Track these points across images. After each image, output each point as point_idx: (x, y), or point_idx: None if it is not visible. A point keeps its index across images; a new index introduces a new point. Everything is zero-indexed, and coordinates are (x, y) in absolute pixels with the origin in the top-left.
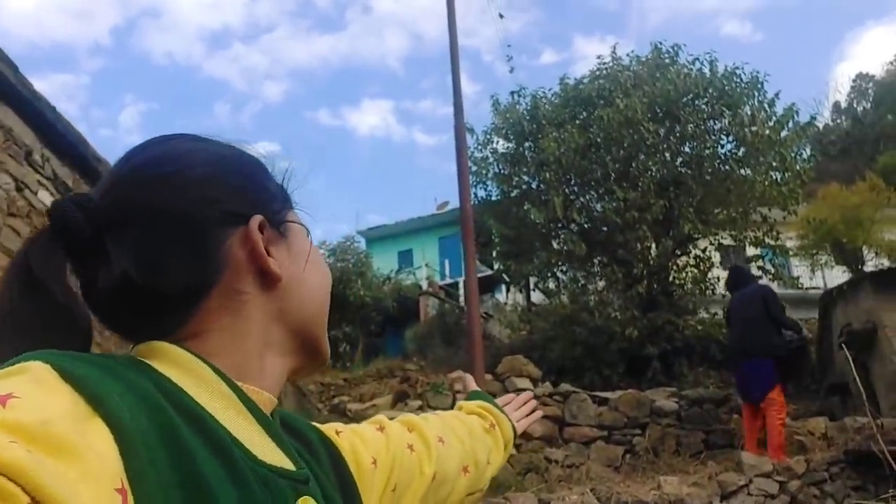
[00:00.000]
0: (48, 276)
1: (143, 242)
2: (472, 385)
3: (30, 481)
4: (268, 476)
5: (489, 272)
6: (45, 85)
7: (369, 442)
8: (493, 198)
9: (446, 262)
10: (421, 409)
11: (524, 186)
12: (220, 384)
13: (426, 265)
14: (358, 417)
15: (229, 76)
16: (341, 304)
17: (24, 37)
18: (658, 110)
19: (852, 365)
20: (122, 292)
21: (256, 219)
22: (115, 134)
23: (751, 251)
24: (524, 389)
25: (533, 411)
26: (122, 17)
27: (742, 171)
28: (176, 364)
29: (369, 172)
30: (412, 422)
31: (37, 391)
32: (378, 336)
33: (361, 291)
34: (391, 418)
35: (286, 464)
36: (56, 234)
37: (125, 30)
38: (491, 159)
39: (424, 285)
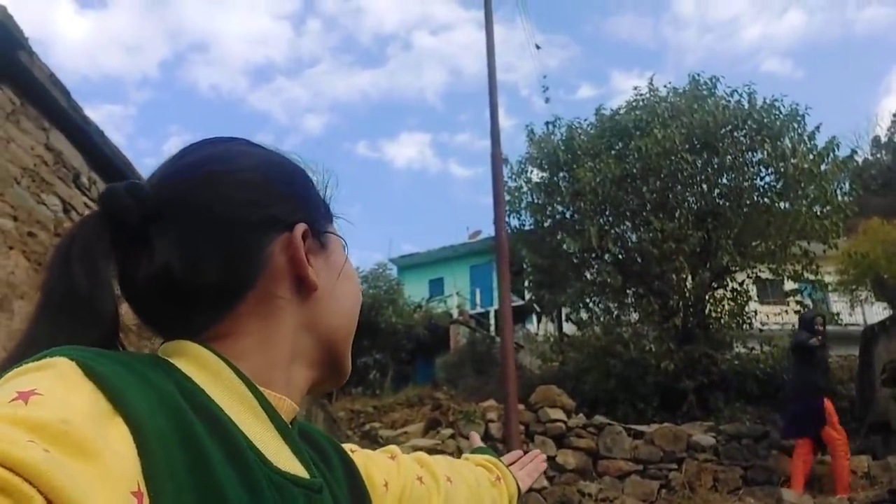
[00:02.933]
0: (84, 257)
1: (187, 237)
2: (478, 441)
3: (45, 482)
4: (282, 483)
5: (521, 302)
6: (94, 114)
7: (381, 466)
8: (527, 227)
9: (477, 292)
10: (452, 437)
11: (558, 216)
12: (241, 387)
13: (457, 294)
14: (390, 443)
15: (272, 109)
16: (372, 331)
17: (78, 69)
18: (696, 141)
19: None
20: (160, 285)
21: (301, 226)
22: (158, 163)
23: (789, 285)
24: (558, 420)
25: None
26: (170, 51)
27: (781, 204)
28: (199, 364)
29: (404, 203)
30: (422, 458)
31: (59, 388)
32: (408, 364)
33: (393, 318)
34: (419, 448)
35: (301, 472)
36: (105, 217)
37: (173, 63)
38: (525, 189)
39: (455, 314)
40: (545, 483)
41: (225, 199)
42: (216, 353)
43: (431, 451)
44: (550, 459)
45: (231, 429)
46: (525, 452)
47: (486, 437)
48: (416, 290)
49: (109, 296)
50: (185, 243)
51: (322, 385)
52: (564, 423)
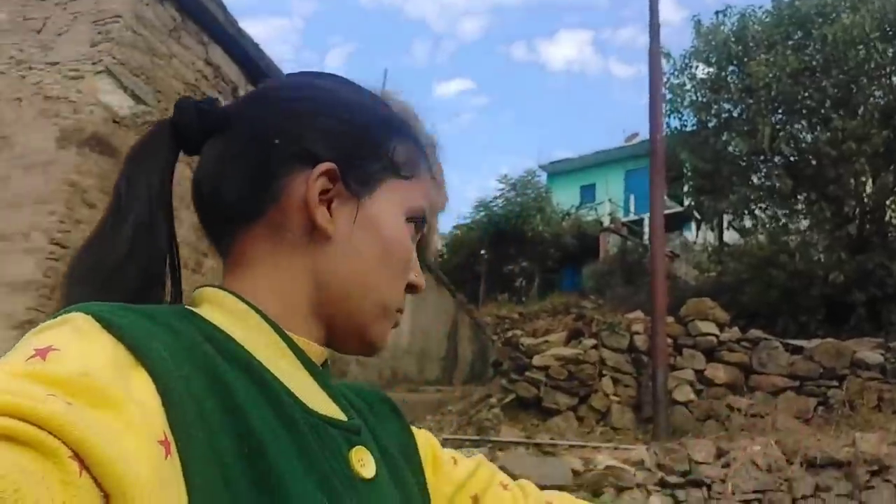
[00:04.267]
0: (147, 162)
1: (224, 154)
2: None
3: (70, 434)
4: (318, 424)
5: (678, 208)
6: (262, 29)
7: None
8: (688, 128)
9: (631, 198)
10: (595, 347)
11: (725, 115)
12: (269, 331)
13: (609, 201)
14: (531, 352)
15: (428, 15)
16: (518, 239)
17: None
18: (888, 28)
19: None
20: (196, 200)
21: (324, 164)
22: None
23: None
24: (709, 334)
25: None
26: None
27: None
28: (225, 310)
29: (558, 107)
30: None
31: (77, 343)
32: (554, 272)
33: (540, 226)
34: (561, 357)
35: (337, 414)
36: (171, 126)
37: None
38: (688, 86)
39: (606, 221)
40: (692, 396)
41: (266, 123)
42: (242, 298)
43: (572, 360)
44: (698, 373)
45: (263, 373)
46: (672, 367)
47: (631, 349)
48: (566, 197)
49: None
50: (221, 159)
51: (343, 347)
52: (716, 336)
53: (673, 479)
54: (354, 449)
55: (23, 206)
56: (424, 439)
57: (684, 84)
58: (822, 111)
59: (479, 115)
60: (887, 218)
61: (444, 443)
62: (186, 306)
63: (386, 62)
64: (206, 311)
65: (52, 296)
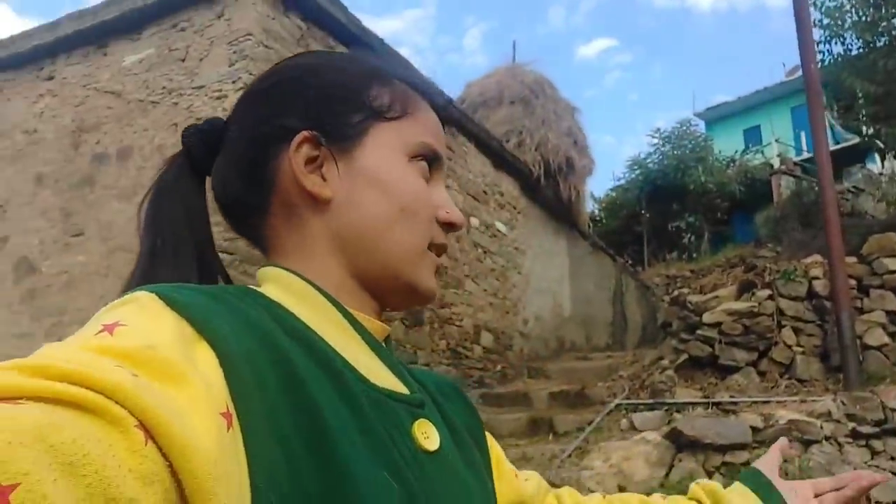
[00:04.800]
0: (168, 195)
1: (223, 160)
2: (779, 455)
3: (136, 404)
4: (379, 399)
5: (855, 140)
6: (398, 23)
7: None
8: (853, 51)
9: (802, 136)
10: (770, 298)
11: (894, 32)
12: (328, 306)
13: (777, 141)
14: (699, 309)
15: None
16: (680, 193)
17: None
18: None
19: None
20: (220, 210)
21: (300, 135)
22: (460, 58)
23: None
24: None
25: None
26: None
27: None
28: (287, 289)
29: (709, 51)
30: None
31: (142, 319)
32: (725, 224)
33: (702, 178)
34: (733, 312)
35: (400, 388)
36: (184, 156)
37: None
38: (847, 6)
39: (776, 164)
40: (885, 339)
41: (245, 118)
42: (302, 276)
43: (746, 313)
44: (890, 314)
45: (324, 348)
46: (859, 310)
47: (811, 295)
48: (728, 144)
49: (187, 236)
50: (221, 167)
51: (394, 303)
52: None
53: (866, 429)
54: (418, 422)
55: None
56: (491, 442)
57: (842, 5)
58: None
59: (625, 73)
60: None
61: (618, 407)
62: (249, 286)
63: (523, 34)
64: (268, 290)
65: None
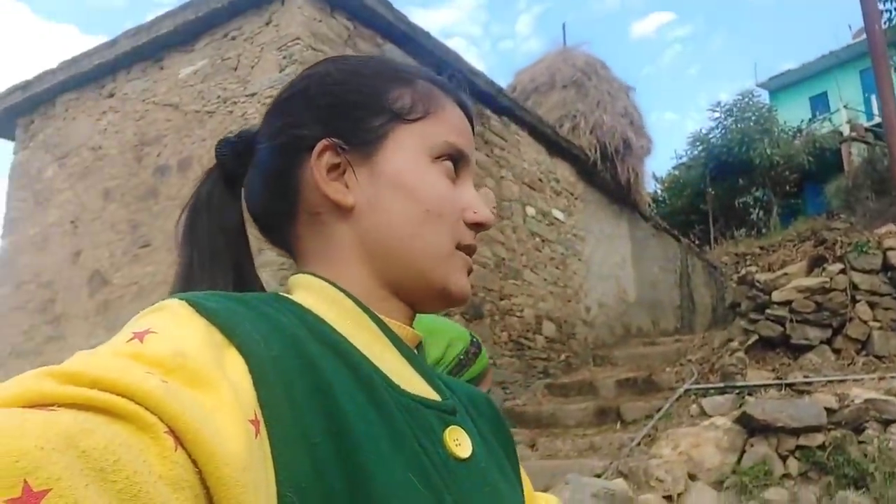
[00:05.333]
0: (202, 204)
1: (252, 173)
2: None
3: (166, 411)
4: (411, 405)
5: None
6: (451, 12)
7: None
8: None
9: (872, 99)
10: (843, 272)
11: None
12: (360, 313)
13: (845, 107)
14: (768, 287)
15: None
16: (745, 168)
17: None
18: None
19: None
20: (254, 222)
21: (320, 143)
22: (514, 44)
23: None
24: None
25: None
26: None
27: None
28: (318, 295)
29: (770, 16)
30: None
31: (173, 326)
32: (794, 197)
33: (768, 150)
34: (803, 289)
35: (431, 395)
36: (218, 170)
37: None
38: None
39: (846, 131)
40: None
41: (270, 128)
42: (334, 283)
43: (818, 289)
44: None
45: (354, 354)
46: None
47: (886, 267)
48: (794, 113)
49: (223, 249)
50: (252, 179)
51: (427, 306)
52: None
53: None
54: (449, 429)
55: (250, 226)
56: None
57: None
58: None
59: (684, 47)
60: None
61: (687, 392)
62: (280, 293)
63: (576, 15)
64: (299, 297)
65: None
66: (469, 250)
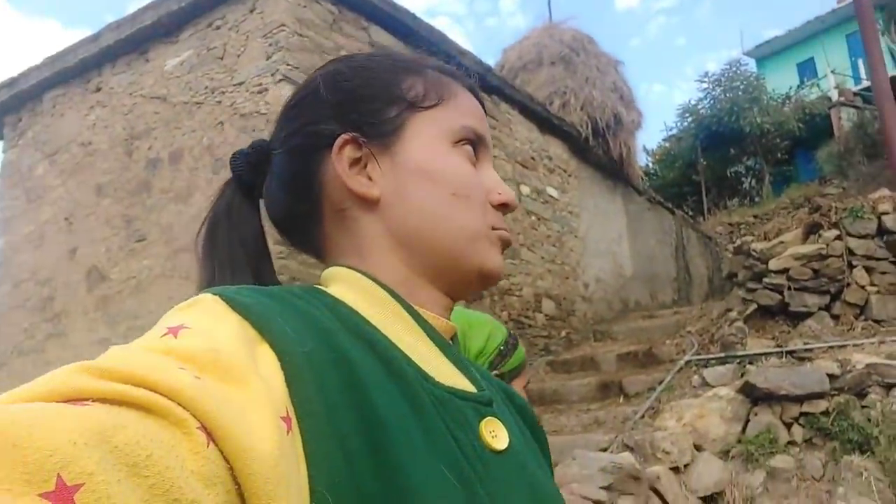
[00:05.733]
0: (222, 213)
1: (270, 178)
2: None
3: (198, 406)
4: (444, 397)
5: None
6: None
7: None
8: None
9: (859, 63)
10: (838, 238)
11: None
12: (395, 304)
13: (832, 72)
14: (765, 256)
15: None
16: (736, 137)
17: None
18: None
19: None
20: (277, 230)
21: (340, 139)
22: (499, 21)
23: None
24: None
25: None
26: None
27: None
28: (353, 287)
29: None
30: None
31: (206, 321)
32: (786, 164)
33: (758, 119)
34: (800, 256)
35: (467, 386)
36: (235, 182)
37: None
38: None
39: (834, 96)
40: None
41: (284, 132)
42: (367, 274)
43: (814, 256)
44: None
45: (387, 346)
46: None
47: (881, 231)
48: (782, 80)
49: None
50: (270, 184)
51: (465, 290)
52: None
53: None
54: (485, 420)
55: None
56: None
57: None
58: None
59: (669, 17)
60: None
61: (688, 364)
62: (315, 285)
63: None
64: (333, 289)
65: None
66: (498, 229)
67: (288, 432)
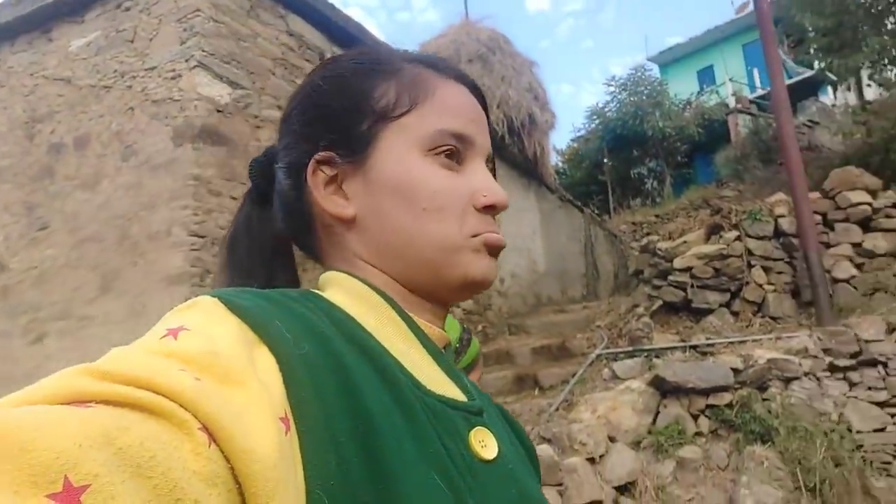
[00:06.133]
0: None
1: (275, 187)
2: None
3: (199, 408)
4: (436, 406)
5: (809, 73)
6: None
7: None
8: None
9: (755, 72)
10: (738, 239)
11: None
12: (390, 311)
13: (730, 80)
14: (670, 255)
15: None
16: (639, 140)
17: None
18: None
19: None
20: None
21: (312, 163)
22: (411, 16)
23: None
24: (861, 203)
25: None
26: None
27: None
28: (348, 292)
29: None
30: None
31: (206, 323)
32: (686, 167)
33: (660, 123)
34: (703, 256)
35: (457, 395)
36: (252, 192)
37: None
38: None
39: (731, 103)
40: (853, 271)
41: (279, 144)
42: (364, 280)
43: (716, 256)
44: (856, 246)
45: (381, 353)
46: (826, 245)
47: (777, 233)
48: (683, 86)
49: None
50: (274, 195)
51: (452, 297)
52: (869, 204)
53: (843, 362)
54: (474, 430)
55: (157, 206)
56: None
57: None
58: None
59: (577, 21)
60: None
61: (598, 358)
62: (311, 289)
63: None
64: (329, 293)
65: (202, 283)
66: (478, 236)
67: (286, 433)
